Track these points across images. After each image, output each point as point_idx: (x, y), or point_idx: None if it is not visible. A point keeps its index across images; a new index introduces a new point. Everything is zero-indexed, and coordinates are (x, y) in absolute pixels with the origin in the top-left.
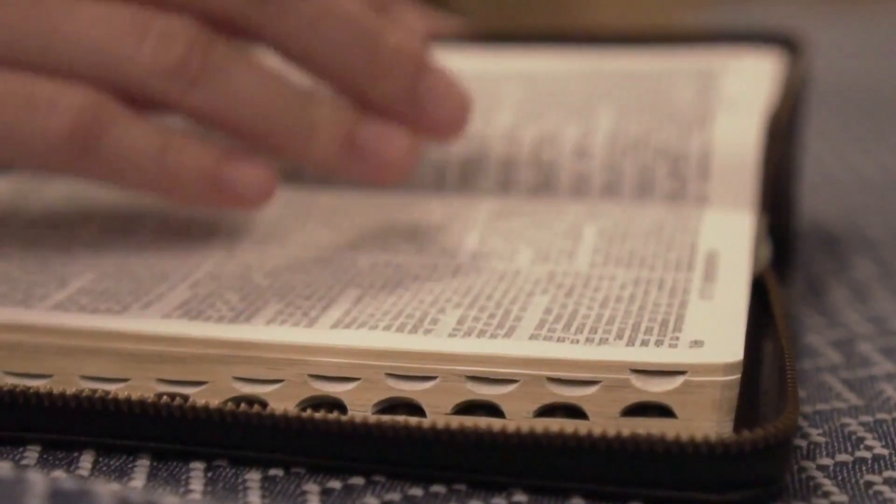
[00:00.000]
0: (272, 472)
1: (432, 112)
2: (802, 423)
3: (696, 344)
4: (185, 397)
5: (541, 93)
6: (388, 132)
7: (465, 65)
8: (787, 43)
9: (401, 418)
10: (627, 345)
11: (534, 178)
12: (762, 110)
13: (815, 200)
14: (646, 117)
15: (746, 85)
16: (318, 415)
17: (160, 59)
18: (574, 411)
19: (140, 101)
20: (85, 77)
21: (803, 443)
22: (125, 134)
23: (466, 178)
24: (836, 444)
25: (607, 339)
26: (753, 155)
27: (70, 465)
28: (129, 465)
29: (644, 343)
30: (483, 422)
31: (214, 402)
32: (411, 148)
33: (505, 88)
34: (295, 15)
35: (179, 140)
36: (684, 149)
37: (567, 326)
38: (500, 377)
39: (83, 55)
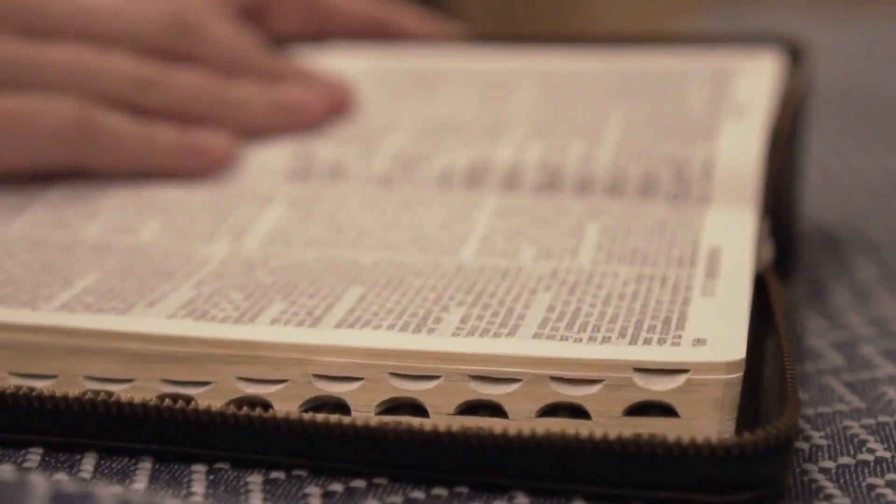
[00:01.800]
0: (274, 474)
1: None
2: (804, 425)
3: (699, 342)
4: (189, 398)
5: (555, 93)
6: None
7: (479, 65)
8: (790, 47)
9: (403, 420)
10: (630, 343)
11: (538, 181)
12: (766, 115)
13: (817, 203)
14: (652, 130)
15: (754, 88)
16: (320, 417)
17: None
18: (577, 411)
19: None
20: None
21: (805, 445)
22: (117, 123)
23: (473, 183)
24: (838, 446)
25: (610, 338)
26: (756, 159)
27: (72, 468)
28: (131, 468)
29: (647, 341)
30: (485, 424)
31: (218, 403)
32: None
33: (520, 89)
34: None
35: (156, 124)
36: (689, 156)
37: (570, 325)
38: (503, 376)
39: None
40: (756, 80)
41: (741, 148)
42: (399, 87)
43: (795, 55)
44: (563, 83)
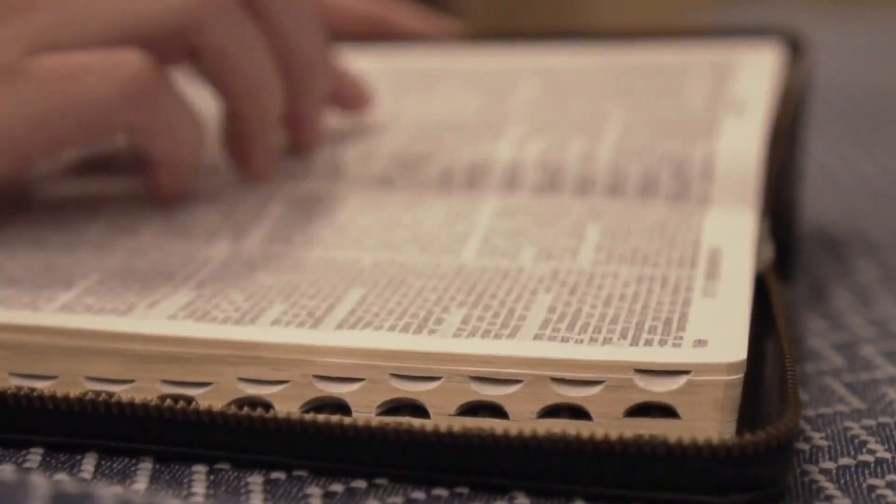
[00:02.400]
0: (274, 475)
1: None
2: (805, 426)
3: (700, 343)
4: (190, 399)
5: (555, 89)
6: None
7: (480, 63)
8: (790, 40)
9: (403, 421)
10: (631, 344)
11: (539, 181)
12: (766, 110)
13: (817, 203)
14: (652, 127)
15: (754, 82)
16: (321, 418)
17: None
18: (577, 412)
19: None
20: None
21: (806, 446)
22: (177, 89)
23: (473, 183)
24: (838, 447)
25: (611, 339)
26: (756, 158)
27: (73, 468)
28: (132, 468)
29: (648, 342)
30: (485, 424)
31: (219, 404)
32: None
33: (520, 85)
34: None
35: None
36: (689, 155)
37: (571, 326)
38: (503, 377)
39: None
40: (756, 74)
41: (741, 146)
42: (399, 86)
43: (795, 48)
44: (562, 79)
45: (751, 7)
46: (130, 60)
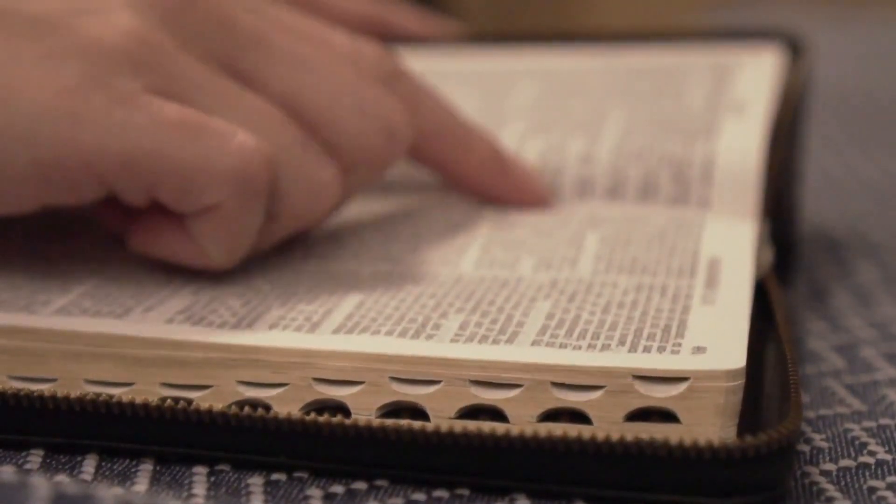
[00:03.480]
0: (275, 476)
1: (519, 200)
2: (805, 428)
3: (699, 350)
4: (189, 401)
5: (555, 90)
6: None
7: (479, 65)
8: (789, 41)
9: (404, 422)
10: (630, 351)
11: None
12: (766, 113)
13: (817, 205)
14: (652, 128)
15: (754, 83)
16: (322, 418)
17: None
18: (578, 416)
19: None
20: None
21: (806, 448)
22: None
23: None
24: (839, 449)
25: (609, 346)
26: (756, 160)
27: (73, 469)
28: (133, 469)
29: (646, 349)
30: (486, 426)
31: (218, 406)
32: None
33: (520, 86)
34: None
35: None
36: (688, 156)
37: (569, 332)
38: (503, 382)
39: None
40: (756, 76)
41: (741, 147)
42: None
43: (795, 50)
44: (562, 81)
45: (750, 9)
46: (250, 143)
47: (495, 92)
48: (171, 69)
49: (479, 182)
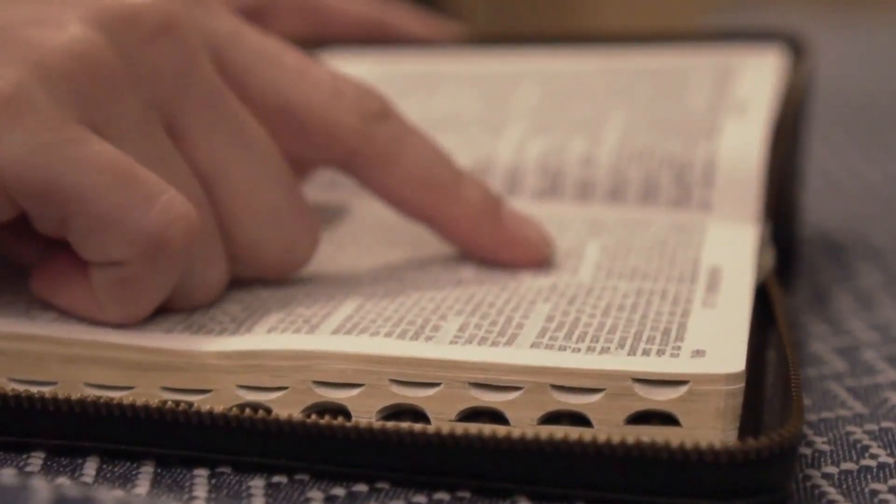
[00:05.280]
0: (276, 478)
1: (512, 257)
2: (807, 431)
3: (698, 353)
4: (190, 405)
5: (557, 91)
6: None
7: (480, 66)
8: (791, 43)
9: (405, 424)
10: (629, 354)
11: (539, 185)
12: (767, 115)
13: (819, 208)
14: (653, 129)
15: (756, 84)
16: (323, 421)
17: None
18: (578, 419)
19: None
20: None
21: (808, 451)
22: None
23: None
24: (840, 452)
25: (609, 348)
26: (757, 162)
27: (74, 472)
28: (133, 472)
29: (645, 352)
30: (487, 428)
31: (219, 409)
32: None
33: (521, 87)
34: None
35: None
36: (690, 158)
37: (569, 335)
38: (503, 384)
39: None
40: (758, 77)
41: (743, 148)
42: (399, 90)
43: (797, 52)
44: (564, 82)
45: (752, 10)
46: (181, 203)
47: (496, 93)
48: (111, 108)
49: (467, 235)
